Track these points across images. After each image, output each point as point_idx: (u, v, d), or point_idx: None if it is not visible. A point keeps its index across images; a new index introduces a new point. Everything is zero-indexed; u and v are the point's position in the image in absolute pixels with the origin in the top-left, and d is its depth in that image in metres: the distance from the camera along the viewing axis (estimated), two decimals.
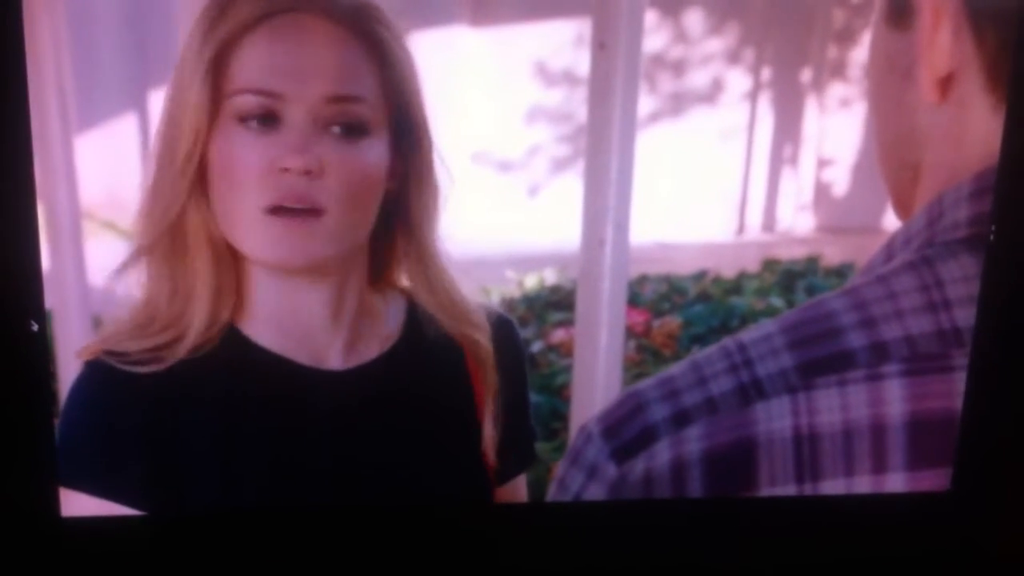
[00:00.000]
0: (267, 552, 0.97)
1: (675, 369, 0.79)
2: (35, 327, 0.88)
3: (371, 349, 0.86)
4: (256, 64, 0.76)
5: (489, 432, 0.89)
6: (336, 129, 0.77)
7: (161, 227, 0.79)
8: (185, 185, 0.77)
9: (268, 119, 0.76)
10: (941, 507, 0.93)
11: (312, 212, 0.78)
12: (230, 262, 0.80)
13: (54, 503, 0.86)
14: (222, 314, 0.81)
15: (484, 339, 0.88)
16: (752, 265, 1.16)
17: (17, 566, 0.95)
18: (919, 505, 0.87)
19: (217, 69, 0.76)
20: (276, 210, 0.77)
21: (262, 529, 0.95)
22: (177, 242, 0.79)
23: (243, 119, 0.76)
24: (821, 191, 1.13)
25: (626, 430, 0.77)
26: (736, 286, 1.17)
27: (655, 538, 0.99)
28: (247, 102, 0.76)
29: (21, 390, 0.89)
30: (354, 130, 0.78)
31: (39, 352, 0.88)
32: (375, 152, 0.80)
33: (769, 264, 1.17)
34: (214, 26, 0.76)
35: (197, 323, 0.80)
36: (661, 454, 0.77)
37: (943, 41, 0.78)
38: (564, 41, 0.99)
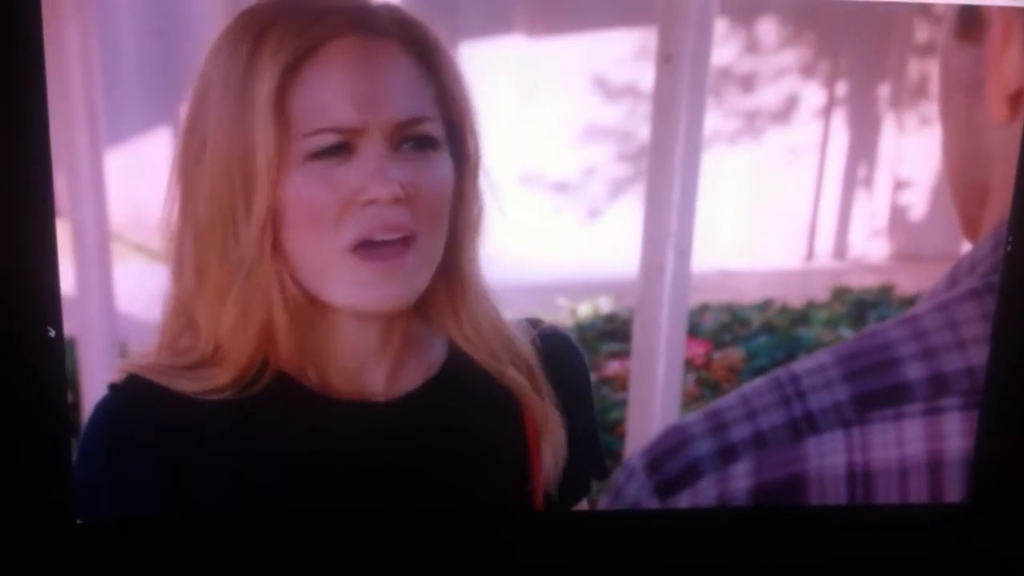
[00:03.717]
0: (280, 558, 0.97)
1: (723, 401, 0.79)
2: (52, 333, 0.86)
3: (415, 377, 0.84)
4: (327, 98, 0.73)
5: (548, 464, 0.86)
6: (408, 145, 0.75)
7: (232, 291, 0.76)
8: (268, 242, 0.75)
9: (340, 150, 0.74)
10: (956, 519, 0.92)
11: (403, 242, 0.75)
12: (299, 307, 0.78)
13: (70, 507, 0.86)
14: (262, 356, 0.79)
15: (518, 376, 0.83)
16: (821, 294, 1.13)
17: (33, 569, 0.96)
18: (935, 516, 0.87)
19: (279, 108, 0.72)
20: (364, 250, 0.75)
21: (275, 535, 0.94)
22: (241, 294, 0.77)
23: (314, 155, 0.72)
24: (897, 216, 1.09)
25: (670, 465, 0.76)
26: (803, 316, 1.14)
27: (670, 542, 0.97)
28: (324, 140, 0.73)
29: (38, 397, 0.89)
30: (425, 144, 0.76)
31: (56, 358, 0.88)
32: (445, 165, 0.78)
33: (839, 293, 1.13)
34: (257, 61, 0.72)
35: (236, 365, 0.78)
36: (706, 491, 0.76)
37: (1013, 56, 0.77)
38: (625, 53, 0.96)
